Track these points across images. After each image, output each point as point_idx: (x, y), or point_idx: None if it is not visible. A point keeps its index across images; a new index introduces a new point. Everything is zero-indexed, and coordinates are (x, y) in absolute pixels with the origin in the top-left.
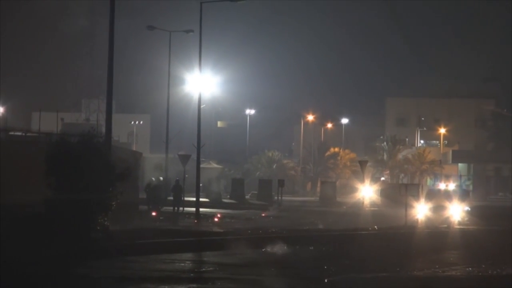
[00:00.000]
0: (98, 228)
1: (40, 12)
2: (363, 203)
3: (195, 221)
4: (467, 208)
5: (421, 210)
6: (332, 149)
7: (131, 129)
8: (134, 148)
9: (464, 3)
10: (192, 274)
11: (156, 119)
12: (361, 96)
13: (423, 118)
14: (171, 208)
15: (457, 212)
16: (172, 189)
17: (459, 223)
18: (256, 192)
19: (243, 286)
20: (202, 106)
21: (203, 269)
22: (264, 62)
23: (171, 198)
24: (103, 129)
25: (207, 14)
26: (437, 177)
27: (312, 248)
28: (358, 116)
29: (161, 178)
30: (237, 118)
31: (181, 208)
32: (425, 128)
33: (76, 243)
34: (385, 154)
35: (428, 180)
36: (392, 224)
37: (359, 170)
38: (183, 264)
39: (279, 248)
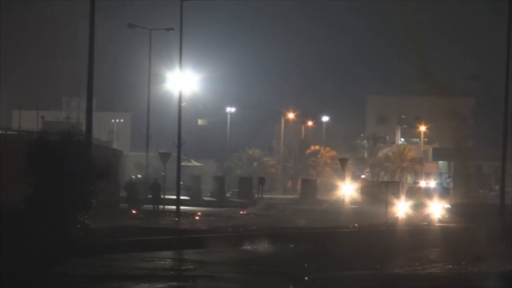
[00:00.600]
0: (79, 226)
1: (20, 11)
2: (343, 201)
3: (176, 219)
4: (447, 205)
5: (401, 208)
6: (312, 147)
7: (112, 127)
8: (114, 146)
9: (443, 2)
10: (172, 272)
11: (137, 117)
12: (341, 94)
13: (403, 116)
14: (151, 206)
15: (437, 209)
16: (150, 187)
17: (440, 221)
18: (236, 190)
19: (224, 284)
20: (182, 104)
21: (184, 267)
22: (245, 60)
23: (150, 196)
24: (84, 128)
25: (187, 12)
26: (417, 174)
27: (292, 246)
28: (339, 114)
29: (139, 175)
30: (218, 116)
31: (160, 206)
32: (405, 126)
33: (56, 241)
34: (365, 152)
35: (409, 177)
36: (372, 222)
37: (339, 168)
38: (163, 262)
39: (259, 246)
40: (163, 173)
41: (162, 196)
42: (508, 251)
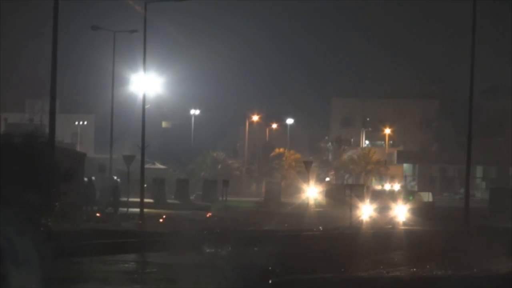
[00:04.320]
0: (41, 229)
1: None
2: (308, 203)
3: (140, 222)
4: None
5: (366, 211)
6: (277, 150)
7: (75, 130)
8: (78, 149)
9: (408, 3)
10: (136, 275)
11: (101, 119)
12: (306, 96)
13: (368, 119)
14: (111, 208)
15: (401, 212)
16: (112, 190)
17: (404, 224)
18: (201, 192)
19: (186, 287)
20: (146, 107)
21: (147, 270)
22: (209, 62)
23: (112, 199)
24: (47, 130)
25: (151, 14)
26: (382, 177)
27: (256, 249)
28: (303, 116)
29: (93, 177)
30: (182, 118)
31: (124, 209)
32: (370, 129)
33: (18, 245)
34: (330, 154)
35: (373, 180)
36: (337, 225)
37: (304, 170)
38: (127, 265)
39: (223, 249)
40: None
41: (126, 199)
42: (473, 253)
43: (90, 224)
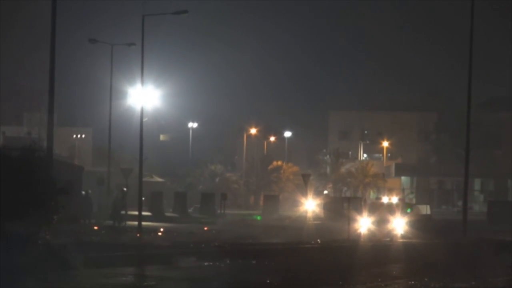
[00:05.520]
0: (40, 242)
1: None
2: (306, 216)
3: (138, 235)
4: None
5: (364, 224)
6: (275, 163)
7: (73, 143)
8: (76, 162)
9: (406, 16)
10: None
11: (98, 133)
12: (304, 109)
13: (366, 132)
14: (112, 222)
15: (399, 225)
16: (113, 203)
17: (402, 236)
18: (198, 206)
19: None
20: (144, 120)
21: (146, 283)
22: (207, 75)
23: (110, 211)
24: (45, 143)
25: (149, 28)
26: (380, 190)
27: (254, 262)
28: (301, 129)
29: (90, 191)
30: (180, 131)
31: (123, 223)
32: (368, 142)
33: (17, 257)
34: (328, 167)
35: (371, 193)
36: (335, 238)
37: (302, 183)
38: (125, 278)
39: (221, 262)
40: (125, 189)
41: (124, 212)
42: (471, 266)
43: (88, 237)
